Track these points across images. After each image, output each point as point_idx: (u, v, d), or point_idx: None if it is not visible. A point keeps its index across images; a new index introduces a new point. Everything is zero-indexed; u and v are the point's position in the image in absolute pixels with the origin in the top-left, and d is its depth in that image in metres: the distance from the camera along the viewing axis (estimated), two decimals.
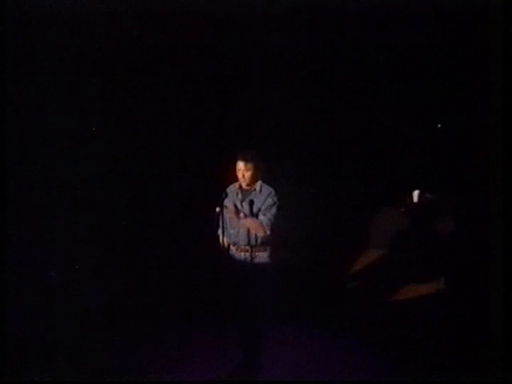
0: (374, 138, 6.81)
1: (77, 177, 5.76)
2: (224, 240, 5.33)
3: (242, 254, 5.26)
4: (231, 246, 5.31)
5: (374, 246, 7.24)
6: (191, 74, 6.25)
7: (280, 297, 5.22)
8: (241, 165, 5.28)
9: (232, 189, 5.35)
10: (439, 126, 6.63)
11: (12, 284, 4.76)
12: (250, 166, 5.27)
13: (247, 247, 5.26)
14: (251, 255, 5.24)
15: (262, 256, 5.25)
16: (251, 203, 5.24)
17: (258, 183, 5.34)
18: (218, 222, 5.20)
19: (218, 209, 5.14)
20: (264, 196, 5.30)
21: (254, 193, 5.32)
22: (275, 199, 5.28)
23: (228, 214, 5.24)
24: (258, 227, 5.20)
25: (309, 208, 6.81)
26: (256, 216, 5.26)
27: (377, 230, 7.27)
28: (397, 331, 5.63)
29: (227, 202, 5.26)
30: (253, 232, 5.23)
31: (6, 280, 4.65)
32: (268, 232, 5.20)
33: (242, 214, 5.25)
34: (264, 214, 5.25)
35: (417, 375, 4.96)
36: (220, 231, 5.33)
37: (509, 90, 4.53)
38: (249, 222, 5.22)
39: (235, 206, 5.28)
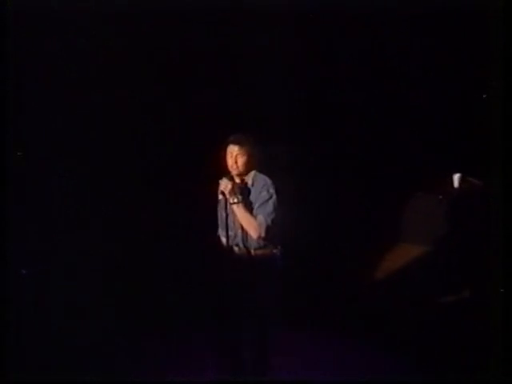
0: (395, 115, 6.02)
1: (75, 171, 5.71)
2: (226, 238, 4.59)
3: (243, 255, 4.57)
4: (234, 246, 4.60)
5: (405, 240, 6.31)
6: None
7: (289, 303, 4.76)
8: (234, 149, 4.51)
9: (225, 181, 4.54)
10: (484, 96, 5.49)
11: (12, 283, 4.76)
12: (244, 150, 4.51)
13: (245, 248, 4.57)
14: (251, 257, 4.55)
15: (265, 258, 4.55)
16: (243, 199, 4.49)
17: (251, 174, 4.59)
18: (220, 216, 4.63)
19: (220, 196, 4.53)
20: (258, 189, 4.54)
21: (246, 186, 4.58)
22: (271, 191, 4.49)
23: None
24: (251, 227, 4.47)
25: (321, 198, 6.07)
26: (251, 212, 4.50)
27: (409, 222, 6.27)
28: (396, 330, 5.60)
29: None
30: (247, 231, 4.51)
31: (6, 279, 4.65)
32: (262, 234, 4.46)
33: (235, 207, 4.45)
34: (258, 213, 4.48)
35: (416, 375, 4.96)
36: (222, 227, 4.63)
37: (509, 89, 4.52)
38: (242, 219, 4.48)
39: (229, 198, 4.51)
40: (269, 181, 4.55)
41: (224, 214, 4.55)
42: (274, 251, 4.60)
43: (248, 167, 4.57)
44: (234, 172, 4.59)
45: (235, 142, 4.54)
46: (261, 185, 4.54)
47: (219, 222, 4.73)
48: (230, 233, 4.58)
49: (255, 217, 4.51)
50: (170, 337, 5.64)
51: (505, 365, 4.34)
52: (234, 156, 4.53)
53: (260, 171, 4.61)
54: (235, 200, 4.49)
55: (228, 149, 4.56)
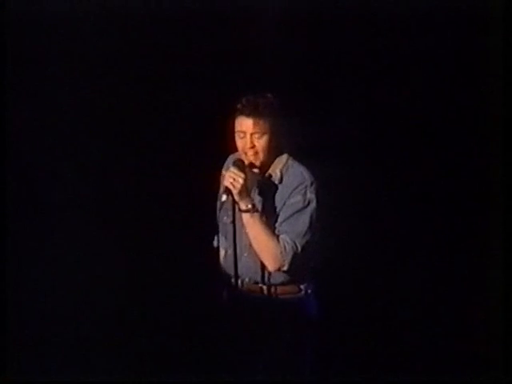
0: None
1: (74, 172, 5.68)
2: (234, 251, 2.87)
3: (250, 293, 2.97)
4: (238, 280, 2.94)
5: None
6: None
7: (323, 369, 3.39)
8: (247, 124, 2.79)
9: (233, 172, 2.85)
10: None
11: (12, 283, 4.77)
12: (264, 123, 2.77)
13: (258, 285, 2.94)
14: (263, 298, 2.93)
15: (285, 301, 2.93)
16: (265, 202, 2.87)
17: (281, 161, 2.91)
18: (221, 221, 3.02)
19: (224, 197, 2.85)
20: (289, 189, 2.87)
21: (270, 181, 2.90)
22: (309, 195, 2.84)
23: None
24: (268, 252, 2.82)
25: (379, 208, 4.11)
26: (274, 228, 2.84)
27: None
28: (395, 330, 5.60)
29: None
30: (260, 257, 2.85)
31: (5, 279, 4.67)
32: (285, 266, 2.80)
33: (247, 216, 2.81)
34: (283, 231, 2.84)
35: (416, 375, 4.97)
36: (220, 242, 3.06)
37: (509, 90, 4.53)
38: (255, 238, 2.83)
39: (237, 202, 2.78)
40: (308, 177, 2.89)
41: (228, 220, 2.96)
42: (301, 288, 3.04)
43: (271, 152, 2.86)
44: (247, 160, 2.91)
45: (248, 113, 2.80)
46: (294, 183, 2.89)
47: (220, 229, 3.12)
48: (229, 251, 3.00)
49: (277, 236, 2.88)
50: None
51: (505, 365, 4.36)
52: (249, 136, 2.81)
53: (295, 158, 2.95)
54: (249, 206, 2.86)
55: (236, 124, 2.87)
